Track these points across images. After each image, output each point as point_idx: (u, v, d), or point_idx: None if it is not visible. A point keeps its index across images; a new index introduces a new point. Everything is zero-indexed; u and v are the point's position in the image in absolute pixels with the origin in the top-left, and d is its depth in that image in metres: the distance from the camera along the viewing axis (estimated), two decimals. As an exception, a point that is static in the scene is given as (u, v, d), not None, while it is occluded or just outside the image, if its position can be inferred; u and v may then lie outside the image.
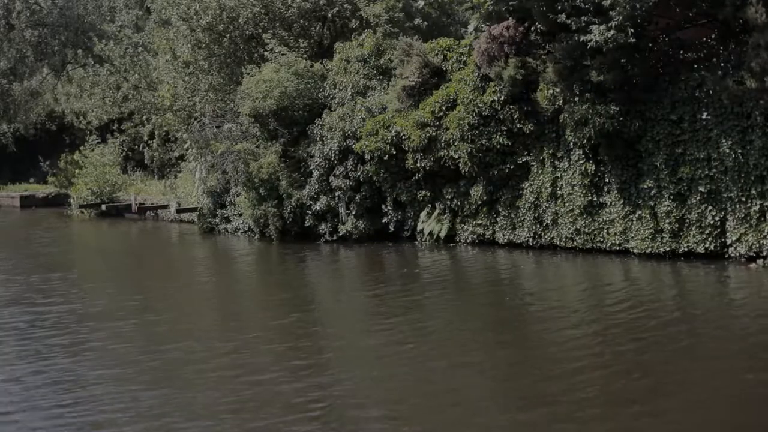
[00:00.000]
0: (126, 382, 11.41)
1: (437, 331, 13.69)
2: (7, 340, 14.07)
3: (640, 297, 15.52)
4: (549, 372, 11.09)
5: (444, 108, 21.91)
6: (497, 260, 20.36)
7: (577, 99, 19.03)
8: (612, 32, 17.38)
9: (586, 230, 19.78)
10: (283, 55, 26.22)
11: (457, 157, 21.52)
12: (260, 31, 28.64)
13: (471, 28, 23.13)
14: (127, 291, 18.64)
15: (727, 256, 17.76)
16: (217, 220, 28.40)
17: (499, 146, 20.98)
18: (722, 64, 17.61)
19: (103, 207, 35.67)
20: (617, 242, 19.28)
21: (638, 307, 14.69)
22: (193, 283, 19.94)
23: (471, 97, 21.24)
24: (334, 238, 24.27)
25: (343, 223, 24.11)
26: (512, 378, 11.06)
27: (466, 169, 21.42)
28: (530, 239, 20.91)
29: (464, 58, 22.29)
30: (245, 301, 17.93)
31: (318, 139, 24.44)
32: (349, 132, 23.63)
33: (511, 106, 20.72)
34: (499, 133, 20.93)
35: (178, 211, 31.86)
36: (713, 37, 18.18)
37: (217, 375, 11.63)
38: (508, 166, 21.10)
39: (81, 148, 40.24)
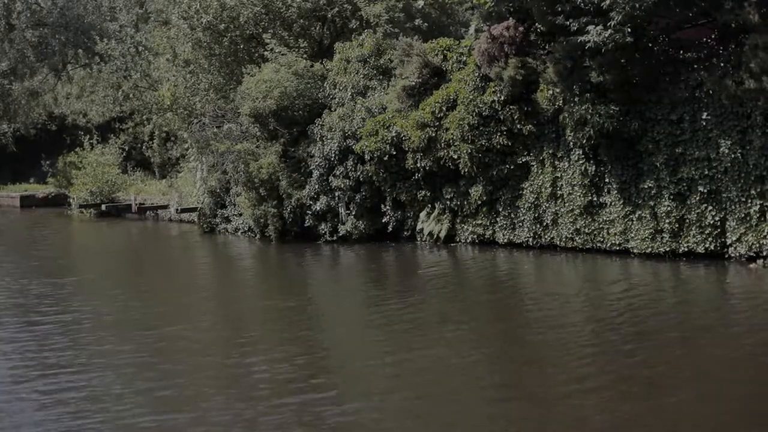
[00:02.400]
0: (154, 404, 10.50)
1: (459, 342, 12.93)
2: (16, 354, 13.07)
3: (640, 297, 15.51)
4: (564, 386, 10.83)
5: (444, 108, 21.91)
6: (499, 261, 20.33)
7: (577, 99, 19.04)
8: (609, 32, 17.38)
9: (586, 230, 19.79)
10: (283, 55, 26.23)
11: (457, 157, 21.53)
12: (260, 30, 28.65)
13: (472, 29, 23.13)
14: (135, 298, 17.74)
15: (727, 256, 17.77)
16: (218, 220, 28.42)
17: (499, 146, 20.99)
18: (722, 65, 17.61)
19: (103, 207, 35.68)
20: (617, 242, 19.28)
21: (638, 307, 14.69)
22: (202, 289, 19.22)
23: (471, 97, 21.25)
24: (334, 238, 24.27)
25: (343, 223, 24.11)
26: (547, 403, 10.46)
27: (466, 170, 21.44)
28: (530, 239, 20.92)
29: (464, 58, 22.30)
30: (259, 310, 16.77)
31: (318, 139, 24.44)
32: (349, 132, 23.64)
33: (511, 107, 20.73)
34: (499, 134, 20.93)
35: (179, 210, 31.87)
36: (713, 37, 18.19)
37: (259, 394, 10.71)
38: (507, 166, 21.11)
39: (77, 149, 40.31)
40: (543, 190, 20.49)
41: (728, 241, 17.69)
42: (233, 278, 21.02)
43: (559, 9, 18.35)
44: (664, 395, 10.08)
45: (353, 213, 23.92)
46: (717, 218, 17.76)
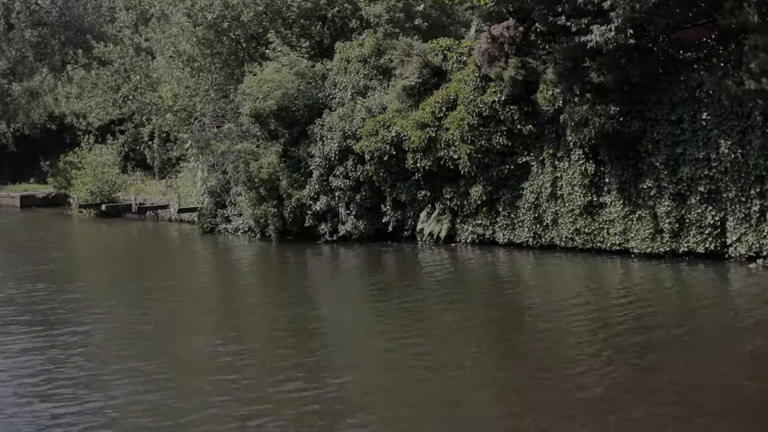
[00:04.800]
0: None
1: (471, 354, 12.53)
2: (27, 369, 12.29)
3: (640, 297, 15.53)
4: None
5: (444, 108, 21.92)
6: (500, 262, 20.31)
7: (577, 99, 19.06)
8: (612, 33, 17.38)
9: (586, 230, 19.80)
10: (285, 54, 26.23)
11: (457, 157, 21.54)
12: (262, 30, 28.64)
13: (472, 30, 23.13)
14: (144, 304, 17.14)
15: (727, 256, 17.79)
16: (218, 220, 28.41)
17: (499, 146, 21.00)
18: (722, 65, 17.62)
19: (104, 207, 35.67)
20: (617, 242, 19.29)
21: (638, 307, 14.71)
22: (210, 294, 18.73)
23: (471, 97, 21.25)
24: (334, 238, 24.27)
25: (343, 223, 24.12)
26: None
27: (466, 170, 21.45)
28: (530, 239, 20.92)
29: (464, 59, 22.30)
30: (273, 320, 15.73)
31: (318, 139, 24.45)
32: (349, 132, 23.64)
33: (511, 107, 20.74)
34: (499, 134, 20.95)
35: (179, 210, 31.87)
36: (713, 37, 18.20)
37: (307, 420, 9.99)
38: (507, 166, 21.12)
39: (76, 149, 40.33)
40: (543, 190, 20.49)
41: (728, 241, 17.70)
42: (239, 282, 20.65)
43: (560, 9, 18.34)
44: (666, 398, 10.09)
45: (353, 213, 23.93)
46: (717, 218, 17.77)
